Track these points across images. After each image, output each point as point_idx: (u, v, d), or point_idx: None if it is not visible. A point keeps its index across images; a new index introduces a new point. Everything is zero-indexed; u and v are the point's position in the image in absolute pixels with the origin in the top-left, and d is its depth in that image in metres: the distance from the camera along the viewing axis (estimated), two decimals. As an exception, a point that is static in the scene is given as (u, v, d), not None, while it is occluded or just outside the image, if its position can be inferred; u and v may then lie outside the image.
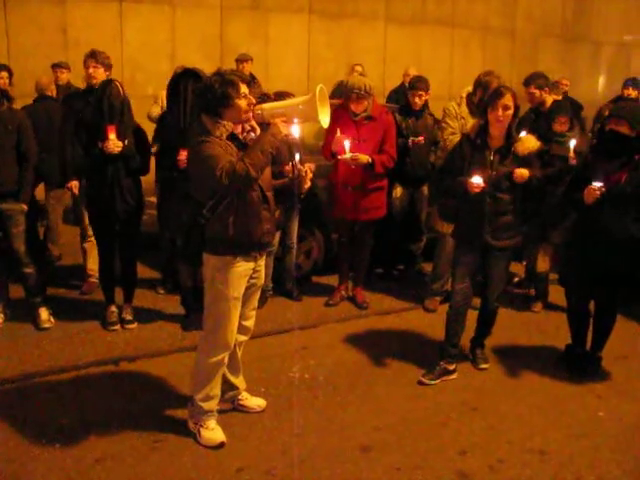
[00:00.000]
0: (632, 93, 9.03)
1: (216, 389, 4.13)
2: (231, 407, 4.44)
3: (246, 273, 4.01)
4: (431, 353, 5.28)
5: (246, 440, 4.14)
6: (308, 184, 4.16)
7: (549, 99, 6.62)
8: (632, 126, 4.69)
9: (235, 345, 4.24)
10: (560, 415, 4.59)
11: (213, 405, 4.14)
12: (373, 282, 7.08)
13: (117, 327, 5.68)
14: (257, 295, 4.26)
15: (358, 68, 10.12)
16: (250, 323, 4.32)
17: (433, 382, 4.98)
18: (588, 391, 4.96)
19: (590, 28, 16.27)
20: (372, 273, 7.21)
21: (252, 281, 4.13)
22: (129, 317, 5.76)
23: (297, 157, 4.18)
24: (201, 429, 4.12)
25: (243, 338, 4.32)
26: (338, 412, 4.53)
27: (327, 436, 4.23)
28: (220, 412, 4.34)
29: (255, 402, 4.50)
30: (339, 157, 5.93)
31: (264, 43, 11.86)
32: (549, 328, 6.07)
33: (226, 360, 4.11)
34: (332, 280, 6.89)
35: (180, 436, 4.15)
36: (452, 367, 5.08)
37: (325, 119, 3.80)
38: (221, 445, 4.06)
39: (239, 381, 4.43)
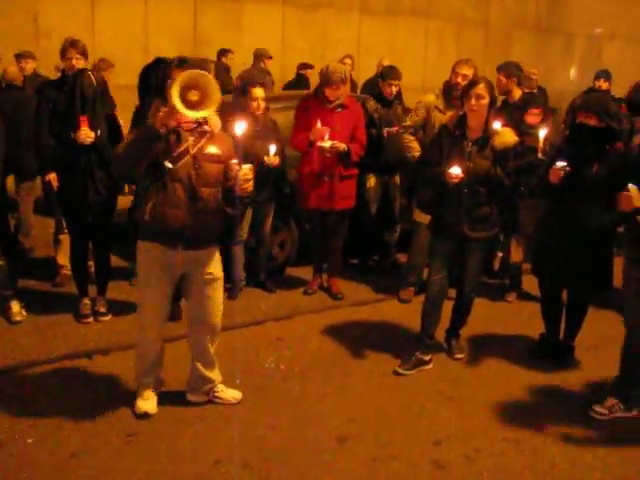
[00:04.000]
0: (603, 85, 9.11)
1: (142, 365, 4.31)
2: (207, 400, 4.42)
3: (165, 261, 4.06)
4: (406, 343, 5.30)
5: (222, 432, 4.13)
6: (245, 186, 4.03)
7: (516, 90, 6.67)
8: (601, 118, 4.73)
9: (203, 339, 4.30)
10: (534, 404, 4.63)
11: (142, 379, 4.32)
12: (348, 273, 7.08)
13: (90, 320, 5.63)
14: (205, 288, 4.20)
15: (347, 60, 10.17)
16: (205, 316, 4.26)
17: (409, 372, 4.99)
18: (561, 380, 5.01)
19: (563, 20, 16.38)
20: (347, 264, 7.21)
21: (187, 272, 4.17)
22: (103, 309, 5.71)
23: (234, 160, 4.08)
24: (137, 397, 4.30)
25: (204, 332, 4.30)
26: (314, 403, 4.53)
27: (303, 427, 4.22)
28: (196, 405, 4.35)
29: (231, 394, 4.48)
30: (318, 144, 5.93)
31: (238, 34, 11.80)
32: (523, 318, 6.12)
33: (150, 339, 4.25)
34: (306, 271, 6.89)
35: (155, 429, 4.12)
36: (428, 357, 5.10)
37: (184, 108, 3.72)
38: (145, 415, 4.20)
39: (214, 374, 4.42)
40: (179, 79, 3.70)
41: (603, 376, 4.97)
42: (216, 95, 3.76)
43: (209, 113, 3.86)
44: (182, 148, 3.97)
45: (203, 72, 3.79)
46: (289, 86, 10.96)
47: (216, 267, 4.24)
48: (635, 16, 17.44)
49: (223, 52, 10.76)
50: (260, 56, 10.60)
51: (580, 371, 5.19)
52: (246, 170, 4.01)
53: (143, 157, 3.87)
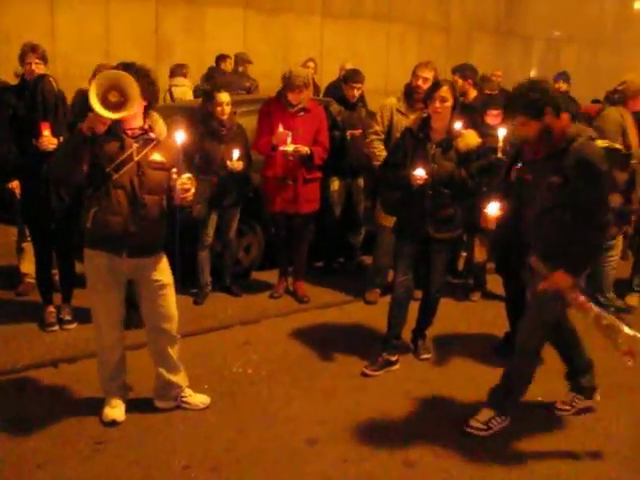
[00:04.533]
0: (562, 86, 9.27)
1: (104, 373, 4.30)
2: (175, 405, 4.41)
3: (111, 268, 4.05)
4: (373, 345, 5.33)
5: (191, 437, 4.12)
6: (184, 196, 3.96)
7: (472, 91, 6.75)
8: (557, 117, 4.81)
9: (162, 345, 4.29)
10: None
11: (107, 387, 4.31)
12: (313, 276, 7.10)
13: (56, 328, 5.58)
14: (154, 295, 4.18)
15: (310, 64, 10.21)
16: (158, 323, 4.24)
17: (376, 373, 5.03)
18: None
19: (521, 23, 16.62)
20: (312, 267, 7.23)
21: (134, 278, 4.18)
22: (68, 317, 5.66)
23: (174, 169, 4.02)
24: (105, 405, 4.28)
25: (160, 338, 4.28)
26: (282, 406, 4.54)
27: (272, 431, 4.23)
28: (164, 411, 4.33)
29: (199, 399, 4.47)
30: (281, 148, 5.95)
31: (200, 38, 11.78)
32: (488, 317, 6.19)
33: (108, 346, 4.24)
34: (271, 275, 6.89)
35: (124, 436, 4.10)
36: (394, 358, 5.14)
37: (103, 110, 3.68)
38: (113, 423, 4.18)
39: (179, 378, 4.40)
40: (96, 80, 3.68)
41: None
42: (136, 96, 3.73)
43: (128, 114, 3.79)
44: (125, 155, 3.94)
45: (122, 73, 3.77)
46: None
47: (164, 273, 4.21)
48: (591, 19, 17.78)
49: (222, 58, 10.77)
50: (241, 61, 10.58)
51: (544, 367, 5.25)
52: (184, 179, 3.95)
53: (73, 162, 3.84)
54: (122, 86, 3.71)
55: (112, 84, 3.71)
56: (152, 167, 4.00)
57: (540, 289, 4.02)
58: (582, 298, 3.96)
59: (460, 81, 6.73)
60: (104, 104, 3.68)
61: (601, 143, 4.28)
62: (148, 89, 3.99)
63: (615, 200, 4.38)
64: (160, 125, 4.14)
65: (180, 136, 4.01)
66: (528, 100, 3.86)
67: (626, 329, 3.86)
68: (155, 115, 4.17)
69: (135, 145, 3.98)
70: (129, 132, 3.98)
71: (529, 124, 3.90)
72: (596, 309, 3.95)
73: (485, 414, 4.29)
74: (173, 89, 9.66)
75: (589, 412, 4.55)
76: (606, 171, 3.91)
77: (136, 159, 3.96)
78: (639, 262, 6.73)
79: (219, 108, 6.03)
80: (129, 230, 3.96)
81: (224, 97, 6.05)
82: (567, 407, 4.55)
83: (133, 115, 3.95)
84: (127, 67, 3.95)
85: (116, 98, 3.72)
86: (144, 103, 4.01)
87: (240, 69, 10.46)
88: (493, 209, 4.31)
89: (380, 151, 6.14)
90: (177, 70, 9.87)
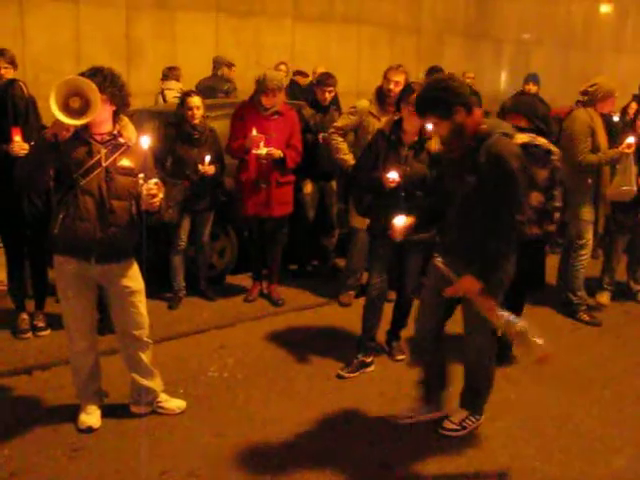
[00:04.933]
0: (532, 88, 9.35)
1: (78, 379, 4.28)
2: (151, 410, 4.40)
3: (80, 274, 4.03)
4: (348, 347, 5.35)
5: (168, 443, 4.11)
6: (151, 202, 3.91)
7: None
8: (529, 120, 4.89)
9: (133, 351, 4.28)
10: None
11: (82, 393, 4.29)
12: (288, 279, 7.11)
13: (29, 335, 5.53)
14: (124, 301, 4.16)
15: (282, 67, 10.22)
16: (129, 329, 4.23)
17: (352, 375, 5.05)
18: (500, 375, 5.10)
19: (492, 26, 16.74)
20: (286, 270, 7.24)
21: (103, 284, 4.17)
22: (41, 324, 5.62)
23: (141, 174, 3.99)
24: (80, 412, 4.26)
25: (131, 344, 4.27)
26: (259, 409, 4.54)
27: (249, 434, 4.24)
28: (140, 416, 4.32)
29: (174, 404, 4.47)
30: (254, 151, 5.96)
31: (171, 42, 11.72)
32: (460, 316, 6.21)
33: (80, 352, 4.22)
34: (246, 279, 6.90)
35: (100, 443, 4.09)
36: (369, 359, 5.17)
37: (64, 116, 3.65)
38: (88, 429, 4.16)
39: (154, 383, 4.39)
40: (57, 86, 3.64)
41: (539, 369, 5.12)
42: (98, 101, 3.69)
43: (90, 120, 3.76)
44: (93, 160, 3.92)
45: (83, 79, 3.74)
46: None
47: (134, 280, 4.18)
48: (560, 22, 17.98)
49: (227, 65, 10.81)
50: (219, 64, 10.56)
51: (518, 364, 5.32)
52: (151, 185, 3.90)
53: (37, 168, 3.82)
54: (83, 92, 3.68)
55: (73, 90, 3.68)
56: (121, 173, 3.98)
57: (447, 294, 3.90)
58: (491, 304, 3.80)
59: None
60: (65, 110, 3.65)
61: (521, 139, 4.15)
62: (116, 94, 3.96)
63: (536, 198, 4.21)
64: (129, 130, 4.11)
65: (146, 141, 4.00)
66: (436, 100, 3.74)
67: (537, 338, 3.70)
68: (125, 120, 4.14)
69: (103, 150, 3.95)
70: (97, 137, 3.96)
71: (440, 124, 3.79)
72: (507, 315, 3.79)
73: (459, 415, 4.32)
74: (166, 92, 9.63)
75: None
76: (520, 168, 3.74)
77: (104, 165, 3.93)
78: (609, 261, 6.83)
79: (190, 112, 6.04)
80: (97, 236, 3.93)
81: (194, 101, 6.06)
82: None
83: (101, 120, 3.93)
84: (95, 72, 3.92)
85: (77, 104, 3.69)
86: (112, 108, 3.99)
87: (219, 72, 10.46)
88: (400, 221, 4.13)
89: (339, 143, 6.21)
90: (169, 73, 9.84)
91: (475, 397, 4.33)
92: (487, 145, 3.72)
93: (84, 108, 3.70)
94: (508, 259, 3.86)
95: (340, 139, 6.26)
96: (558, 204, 4.41)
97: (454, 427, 4.28)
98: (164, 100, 9.51)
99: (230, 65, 10.53)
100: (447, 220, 4.08)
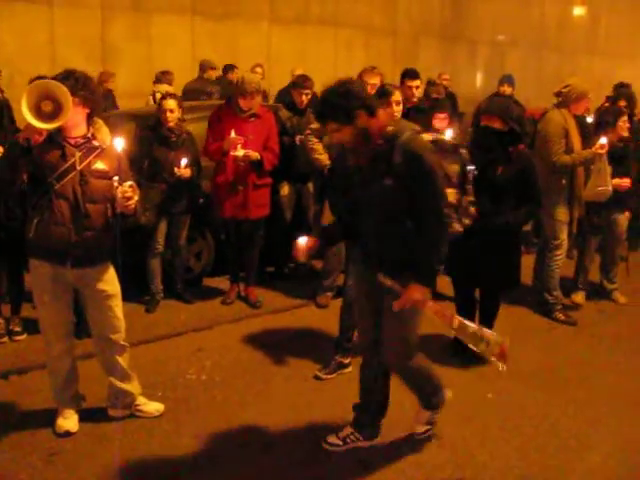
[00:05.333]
0: (507, 90, 9.44)
1: (55, 383, 4.26)
2: (129, 414, 4.38)
3: (56, 278, 4.01)
4: (326, 348, 5.36)
5: (146, 446, 4.10)
6: (126, 204, 3.91)
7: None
8: (504, 121, 4.94)
9: (110, 355, 4.26)
10: (453, 399, 4.74)
11: (59, 397, 4.27)
12: (265, 281, 7.12)
13: (5, 339, 5.50)
14: (100, 305, 4.14)
15: (258, 69, 10.24)
16: (105, 333, 4.21)
17: (329, 376, 5.07)
18: (477, 375, 5.17)
19: (467, 28, 16.85)
20: (263, 272, 7.25)
21: (79, 288, 4.15)
22: (18, 328, 5.58)
23: (115, 177, 3.97)
24: (58, 416, 4.25)
25: (108, 348, 4.25)
26: (237, 412, 4.55)
27: (228, 436, 4.24)
28: (118, 419, 4.31)
29: (153, 407, 4.46)
30: (232, 154, 5.97)
31: (147, 44, 11.69)
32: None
33: (56, 356, 4.20)
34: (223, 281, 6.90)
35: (77, 447, 4.07)
36: (347, 361, 5.18)
37: (34, 120, 3.64)
38: (66, 434, 4.15)
39: (132, 386, 4.38)
40: (29, 90, 3.63)
41: (515, 369, 5.17)
42: (69, 105, 3.67)
43: (62, 123, 3.74)
44: (68, 164, 3.90)
45: (54, 82, 3.73)
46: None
47: (110, 284, 4.16)
48: (534, 24, 18.14)
49: (230, 67, 10.82)
50: (205, 67, 10.64)
51: (495, 364, 5.36)
52: (126, 187, 3.90)
53: (9, 172, 3.79)
54: (54, 95, 3.66)
55: (44, 93, 3.66)
56: (95, 176, 3.96)
57: (396, 308, 3.64)
58: (440, 307, 3.73)
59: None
60: (37, 114, 3.63)
61: (427, 137, 4.06)
62: (89, 97, 3.94)
63: (452, 195, 4.01)
64: (103, 132, 4.09)
65: (120, 143, 3.99)
66: (334, 106, 3.52)
67: (492, 336, 3.67)
68: (99, 122, 4.11)
69: (78, 154, 3.93)
70: (71, 141, 3.94)
71: (342, 130, 3.56)
72: (458, 318, 3.72)
73: (424, 415, 4.23)
74: (157, 94, 9.70)
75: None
76: (437, 163, 3.64)
77: (79, 168, 3.91)
78: (582, 261, 6.90)
79: (164, 115, 6.04)
80: (72, 240, 3.91)
81: (169, 104, 6.06)
82: (339, 442, 4.15)
83: (74, 123, 3.91)
84: (67, 75, 3.90)
85: (49, 107, 3.67)
86: (86, 111, 3.97)
87: (205, 75, 10.52)
88: (303, 241, 3.89)
89: (314, 144, 6.22)
90: (162, 77, 9.95)
91: (422, 394, 4.17)
92: (401, 144, 3.52)
93: (56, 111, 3.68)
94: (442, 255, 3.65)
95: (315, 140, 6.28)
96: (472, 198, 4.33)
97: (425, 428, 4.24)
98: (155, 102, 9.57)
99: (213, 68, 10.59)
100: (362, 231, 3.83)
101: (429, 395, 4.18)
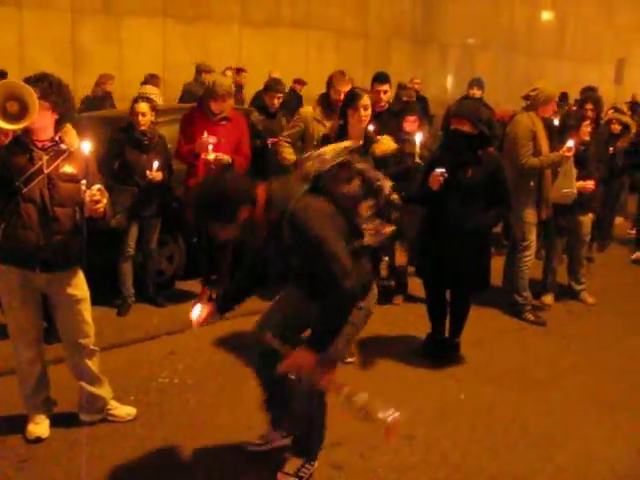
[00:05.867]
0: (477, 93, 9.51)
1: (25, 389, 4.23)
2: (100, 418, 4.36)
3: (25, 283, 3.99)
4: (299, 350, 5.37)
5: (119, 450, 4.09)
6: (94, 207, 3.88)
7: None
8: (473, 124, 5.00)
9: (79, 359, 4.23)
10: (425, 400, 4.81)
11: (29, 403, 4.24)
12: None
13: (-26, 344, 5.45)
14: (70, 310, 4.12)
15: (228, 72, 10.27)
16: (74, 337, 4.19)
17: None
18: (449, 376, 5.22)
19: (438, 31, 16.97)
20: (235, 275, 7.22)
21: (48, 293, 4.12)
22: (-14, 333, 5.53)
23: (83, 180, 3.94)
24: (28, 422, 4.21)
25: (77, 352, 4.22)
26: (210, 415, 4.55)
27: (201, 440, 4.24)
28: (90, 424, 4.28)
29: (125, 411, 4.44)
30: (203, 157, 5.96)
31: (117, 47, 11.64)
32: (410, 319, 6.32)
33: (26, 362, 4.17)
34: (195, 284, 6.88)
35: (49, 453, 4.04)
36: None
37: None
38: (37, 440, 4.12)
39: (103, 391, 4.36)
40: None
41: (486, 369, 5.24)
42: (35, 106, 3.66)
43: (27, 124, 3.73)
44: (35, 167, 3.87)
45: (20, 83, 3.71)
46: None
47: (79, 288, 4.14)
48: (504, 27, 18.31)
49: (237, 71, 10.94)
50: (201, 71, 10.66)
51: (466, 365, 5.43)
52: (94, 191, 3.88)
53: None
54: (21, 96, 3.65)
55: (10, 94, 3.64)
56: (63, 179, 3.93)
57: (279, 371, 3.48)
58: (329, 378, 3.48)
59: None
60: (2, 114, 3.62)
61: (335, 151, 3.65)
62: (60, 103, 3.91)
63: (365, 208, 3.59)
64: (71, 136, 4.07)
65: (87, 146, 3.97)
66: (215, 209, 3.28)
67: (380, 413, 3.33)
68: (67, 125, 4.09)
69: (45, 157, 3.90)
70: (39, 144, 3.92)
71: (226, 229, 3.37)
72: (347, 390, 3.40)
73: (294, 464, 3.85)
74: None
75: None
76: (328, 221, 3.36)
77: (46, 172, 3.88)
78: (550, 262, 6.98)
79: (136, 118, 6.02)
80: (41, 244, 3.88)
81: (141, 107, 6.04)
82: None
83: (42, 127, 3.89)
84: (42, 78, 3.88)
85: (15, 108, 3.66)
86: (55, 117, 3.93)
87: (200, 78, 10.56)
88: (197, 311, 3.93)
89: (288, 154, 6.24)
90: (150, 80, 10.00)
91: (304, 443, 3.89)
92: (287, 217, 3.32)
93: (22, 112, 3.66)
94: (338, 323, 3.42)
95: (287, 144, 6.31)
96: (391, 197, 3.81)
97: (290, 479, 3.83)
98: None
99: (209, 71, 10.64)
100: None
101: (306, 442, 3.87)
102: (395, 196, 3.79)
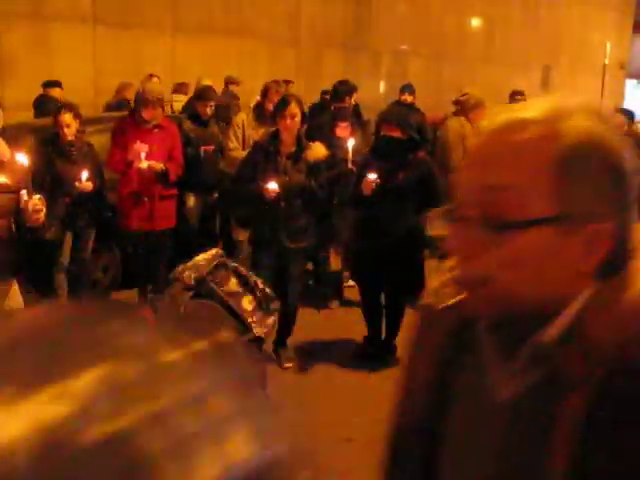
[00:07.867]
0: (408, 98, 9.63)
1: None
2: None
3: None
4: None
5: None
6: (35, 217, 3.85)
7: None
8: (403, 130, 5.09)
9: None
10: (363, 403, 4.83)
11: None
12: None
13: None
14: None
15: (155, 79, 10.18)
16: None
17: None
18: (386, 377, 5.26)
19: (369, 38, 17.12)
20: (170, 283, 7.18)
21: None
22: None
23: (23, 190, 3.89)
24: None
25: None
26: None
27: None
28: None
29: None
30: (136, 165, 5.92)
31: (47, 54, 11.42)
32: (346, 323, 6.35)
33: None
34: (132, 294, 6.80)
35: None
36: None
37: None
38: None
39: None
40: None
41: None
42: None
43: None
44: None
45: None
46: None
47: (13, 300, 4.05)
48: (434, 33, 18.60)
49: (231, 81, 10.85)
50: (228, 83, 10.77)
51: (404, 366, 5.48)
52: (35, 201, 3.84)
53: None
54: None
55: None
56: None
57: None
58: None
59: None
60: None
61: None
62: None
63: (247, 303, 3.81)
64: (1, 146, 4.00)
65: (23, 157, 3.91)
66: None
67: None
68: None
69: None
70: None
71: None
72: None
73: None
74: (174, 103, 10.04)
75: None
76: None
77: None
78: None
79: (61, 130, 5.93)
80: None
81: (65, 119, 5.92)
82: None
83: None
84: None
85: None
86: None
87: (228, 90, 10.57)
88: None
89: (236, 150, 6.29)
90: (179, 88, 10.43)
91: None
92: None
93: None
94: None
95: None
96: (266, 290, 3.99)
97: None
98: (172, 111, 9.56)
99: (236, 83, 10.89)
100: None
101: None
102: (268, 290, 3.95)
